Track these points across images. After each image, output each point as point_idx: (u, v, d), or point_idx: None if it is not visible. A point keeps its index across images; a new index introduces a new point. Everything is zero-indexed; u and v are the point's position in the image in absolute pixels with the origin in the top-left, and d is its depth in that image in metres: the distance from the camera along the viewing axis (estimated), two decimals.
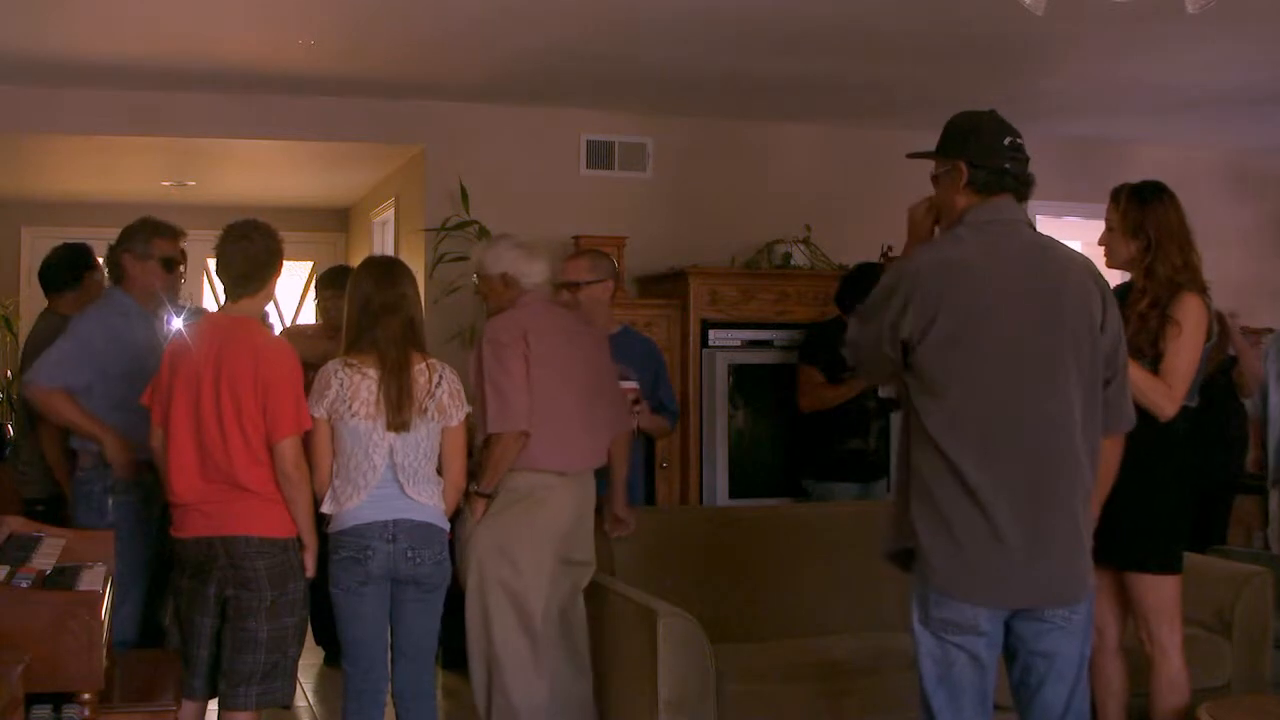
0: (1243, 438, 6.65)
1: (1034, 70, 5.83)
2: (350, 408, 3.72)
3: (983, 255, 3.01)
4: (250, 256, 3.73)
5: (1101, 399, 3.08)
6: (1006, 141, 3.07)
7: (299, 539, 3.70)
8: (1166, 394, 3.67)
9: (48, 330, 4.89)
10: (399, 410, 3.70)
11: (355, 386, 3.73)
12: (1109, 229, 3.84)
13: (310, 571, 3.75)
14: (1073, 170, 6.84)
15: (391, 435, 3.72)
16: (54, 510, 4.61)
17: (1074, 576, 3.04)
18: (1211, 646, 4.46)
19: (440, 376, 3.80)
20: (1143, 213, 3.77)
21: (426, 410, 3.74)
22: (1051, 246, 3.14)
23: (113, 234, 4.55)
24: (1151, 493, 3.69)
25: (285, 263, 3.87)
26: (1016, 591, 3.00)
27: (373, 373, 3.73)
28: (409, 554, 3.74)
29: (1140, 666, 3.89)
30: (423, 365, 3.78)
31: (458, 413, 3.82)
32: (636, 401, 4.62)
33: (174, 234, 4.54)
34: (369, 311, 3.78)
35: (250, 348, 3.65)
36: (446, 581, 3.88)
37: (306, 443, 3.71)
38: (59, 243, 5.42)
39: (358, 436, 3.73)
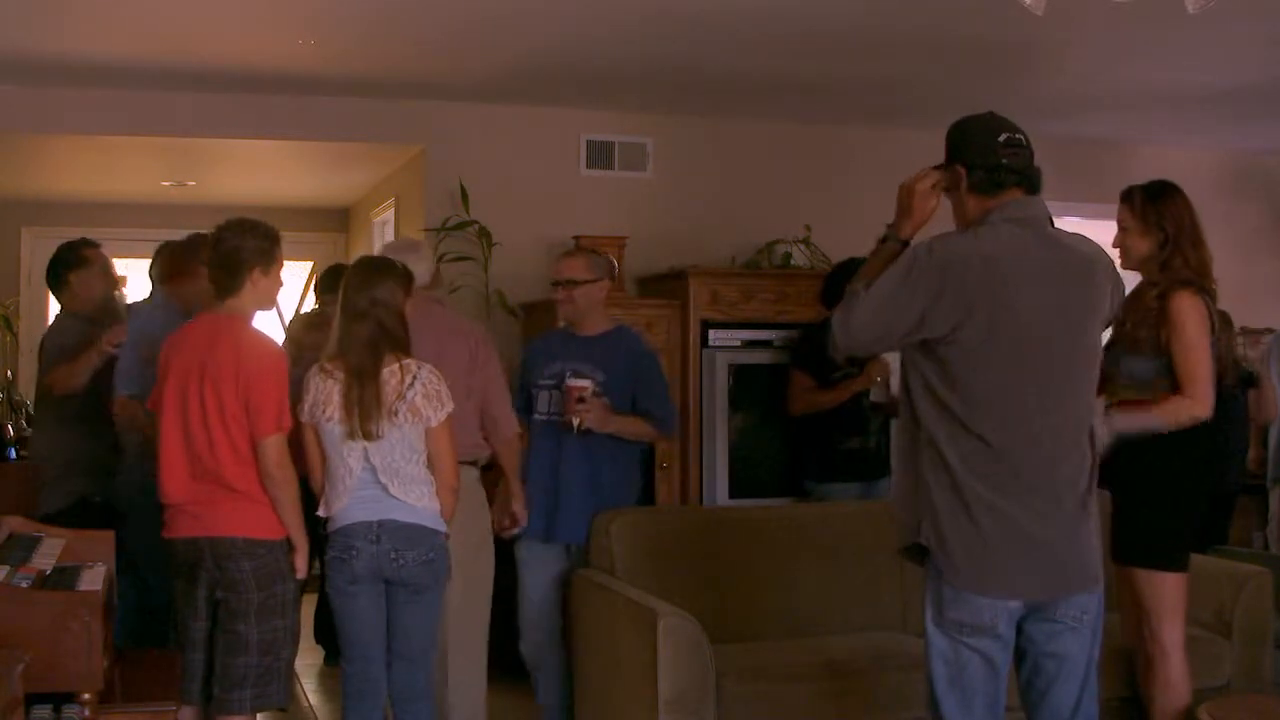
0: (1245, 440, 6.67)
1: (1034, 70, 5.83)
2: (325, 412, 3.73)
3: (1008, 254, 3.01)
4: (219, 258, 3.72)
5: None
6: (1001, 138, 3.07)
7: (288, 540, 3.69)
8: (1190, 405, 3.70)
9: (62, 332, 4.91)
10: (365, 419, 3.68)
11: (329, 391, 3.73)
12: (1123, 229, 3.88)
13: (301, 573, 3.73)
14: (1073, 170, 6.84)
15: (363, 439, 3.71)
16: (76, 518, 4.57)
17: (1091, 565, 3.06)
18: (1211, 646, 4.46)
19: (414, 378, 3.74)
20: (1158, 209, 3.83)
21: (397, 413, 3.71)
22: (1073, 242, 3.14)
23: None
24: (1156, 488, 3.70)
25: (277, 264, 3.82)
26: (1040, 583, 3.00)
27: (343, 377, 3.73)
28: (393, 555, 3.73)
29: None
30: (394, 367, 3.74)
31: (436, 413, 3.76)
32: (580, 400, 4.43)
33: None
34: (344, 316, 3.78)
35: (233, 346, 3.64)
36: (439, 583, 3.86)
37: (291, 442, 3.71)
38: (56, 242, 5.40)
39: (333, 440, 3.74)
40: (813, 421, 5.66)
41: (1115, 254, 3.92)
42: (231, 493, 3.61)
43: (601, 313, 4.72)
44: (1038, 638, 3.06)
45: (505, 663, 4.74)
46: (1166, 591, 3.76)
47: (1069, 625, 3.04)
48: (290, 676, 3.78)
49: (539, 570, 4.61)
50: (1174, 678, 3.77)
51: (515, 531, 4.49)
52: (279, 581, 3.66)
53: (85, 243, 5.11)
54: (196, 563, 3.65)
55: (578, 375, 4.49)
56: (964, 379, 2.96)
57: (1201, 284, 3.78)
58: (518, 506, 4.44)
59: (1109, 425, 3.64)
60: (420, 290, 4.29)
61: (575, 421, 4.44)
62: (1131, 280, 3.82)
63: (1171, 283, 3.75)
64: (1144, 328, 3.74)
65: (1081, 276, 3.06)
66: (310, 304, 6.10)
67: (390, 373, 3.73)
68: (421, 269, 4.34)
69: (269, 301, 3.86)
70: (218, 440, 3.59)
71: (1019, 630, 3.05)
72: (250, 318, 3.79)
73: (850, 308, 3.04)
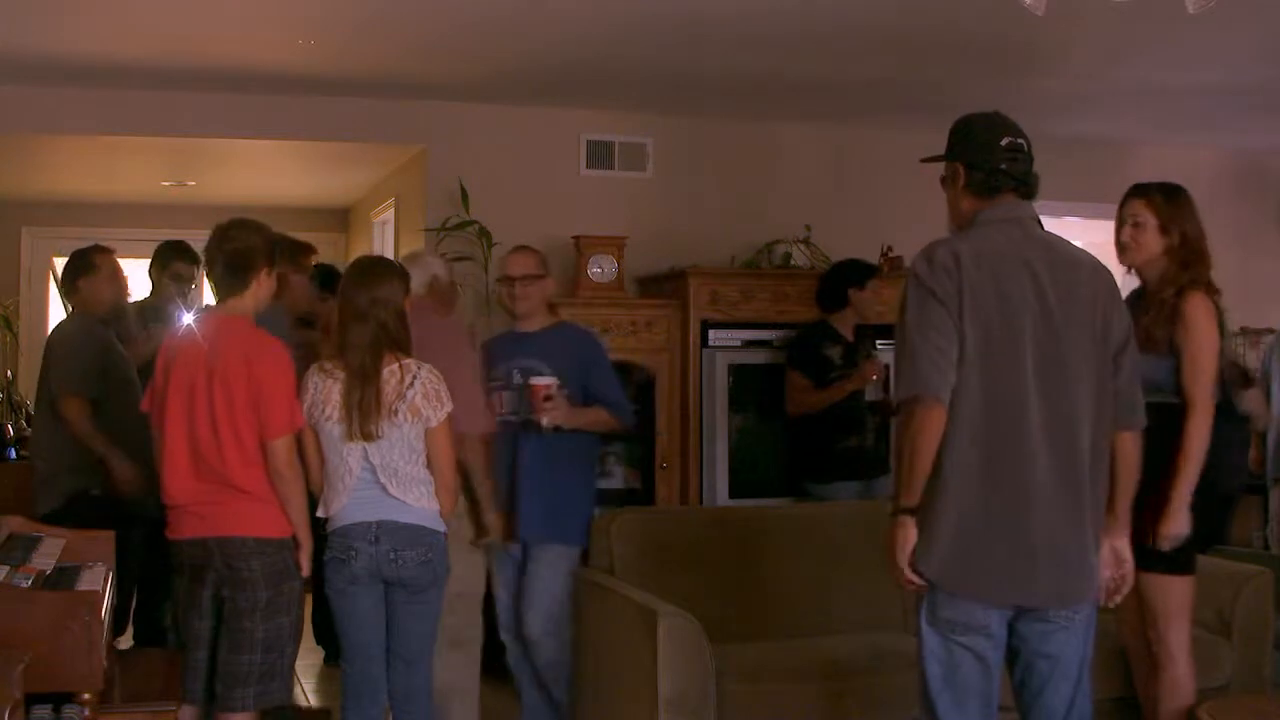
0: (1245, 438, 6.68)
1: (1034, 70, 5.83)
2: (324, 411, 3.73)
3: (995, 253, 3.02)
4: (228, 255, 3.71)
5: (1111, 396, 3.09)
6: (1004, 142, 3.09)
7: (294, 538, 3.70)
8: (1198, 425, 3.69)
9: (72, 332, 4.91)
10: (364, 420, 3.68)
11: (328, 391, 3.73)
12: (1137, 225, 3.86)
13: (305, 571, 3.75)
14: (1073, 170, 6.83)
15: (362, 440, 3.72)
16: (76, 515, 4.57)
17: (1081, 575, 3.05)
18: (1211, 646, 4.44)
19: (414, 377, 3.75)
20: (1179, 210, 3.84)
21: (397, 413, 3.71)
22: (1060, 244, 3.15)
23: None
24: (1164, 491, 3.69)
25: (277, 265, 3.83)
26: (1027, 590, 3.00)
27: (344, 377, 3.73)
28: (391, 556, 3.73)
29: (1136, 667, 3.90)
30: (394, 367, 3.73)
31: (435, 413, 3.75)
32: (548, 398, 4.36)
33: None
34: (343, 317, 3.78)
35: (242, 347, 3.64)
36: (438, 584, 3.85)
37: (300, 442, 3.72)
38: (56, 242, 5.43)
39: (332, 440, 3.74)
40: (810, 421, 5.68)
41: (1117, 250, 3.93)
42: (238, 493, 3.61)
43: (544, 310, 4.68)
44: (1030, 638, 3.06)
45: (495, 663, 4.72)
46: (1174, 595, 3.76)
47: (1061, 625, 3.04)
48: (291, 674, 3.78)
49: (506, 572, 4.55)
50: (1180, 680, 3.77)
51: (486, 541, 4.35)
52: (286, 579, 3.67)
53: (96, 249, 5.12)
54: (204, 563, 3.65)
55: (530, 372, 4.42)
56: (957, 375, 2.96)
57: (1210, 285, 3.79)
58: (488, 519, 4.29)
59: (1174, 526, 3.66)
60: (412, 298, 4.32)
61: (545, 420, 4.37)
62: (1124, 280, 3.82)
63: (1189, 282, 3.76)
64: (1160, 326, 3.74)
65: (1067, 273, 3.06)
66: None
67: (390, 372, 3.73)
68: (415, 281, 4.35)
69: (265, 302, 3.85)
70: (225, 441, 3.59)
71: (1011, 630, 3.05)
72: (250, 318, 3.78)
73: (902, 370, 3.00)
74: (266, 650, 3.63)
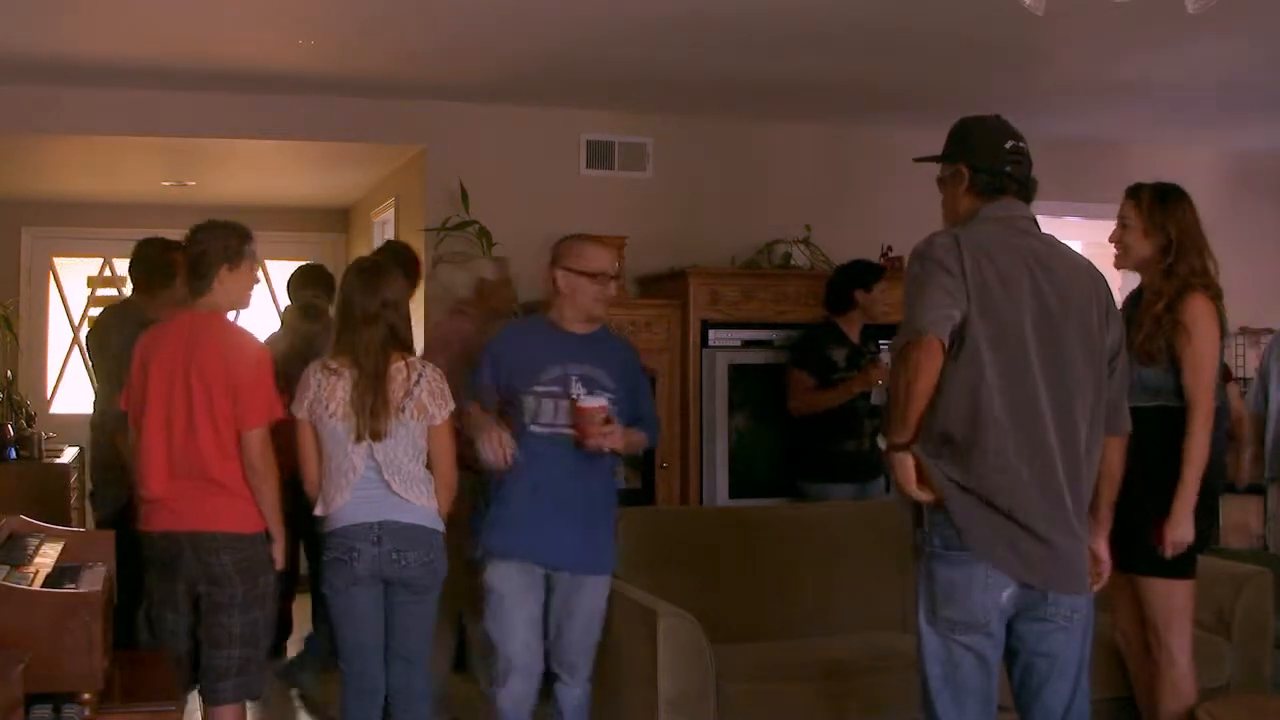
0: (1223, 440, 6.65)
1: (1034, 70, 5.83)
2: (328, 409, 3.75)
3: (994, 244, 3.03)
4: (190, 259, 3.80)
5: (1104, 401, 3.09)
6: (1008, 145, 3.11)
7: (267, 533, 3.73)
8: (1199, 431, 3.68)
9: (123, 343, 4.73)
10: (374, 419, 3.71)
11: (332, 388, 3.76)
12: (1124, 226, 3.84)
13: (279, 564, 3.78)
14: (1073, 170, 6.85)
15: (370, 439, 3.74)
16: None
17: (1078, 565, 3.06)
18: (1211, 646, 4.45)
19: (420, 375, 3.79)
20: (1165, 212, 3.78)
21: (404, 410, 3.74)
22: (1058, 247, 3.16)
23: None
24: (1164, 495, 3.68)
25: (246, 261, 3.82)
26: (1064, 575, 3.01)
27: (349, 375, 3.75)
28: (394, 556, 3.74)
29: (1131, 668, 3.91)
30: (400, 364, 3.77)
31: (440, 411, 3.79)
32: (608, 420, 3.85)
33: None
34: (351, 317, 3.79)
35: (218, 342, 3.70)
36: (438, 584, 3.86)
37: (279, 434, 3.74)
38: (57, 241, 5.33)
39: (336, 437, 3.76)
40: (806, 423, 5.68)
41: (1100, 253, 3.92)
42: (213, 488, 3.66)
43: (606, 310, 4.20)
44: (1029, 637, 3.06)
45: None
46: (1176, 599, 3.75)
47: (1059, 625, 3.05)
48: (267, 666, 3.86)
49: (523, 602, 3.95)
50: (1181, 682, 3.77)
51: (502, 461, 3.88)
52: (261, 574, 3.73)
53: (172, 247, 4.70)
54: (175, 556, 3.70)
55: (591, 382, 3.90)
56: (953, 362, 2.97)
57: (1211, 287, 3.75)
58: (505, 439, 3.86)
59: (1181, 532, 3.65)
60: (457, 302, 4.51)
61: (604, 445, 3.86)
62: (1117, 279, 3.78)
63: (1182, 288, 3.72)
64: (1157, 339, 3.71)
65: (1064, 275, 3.07)
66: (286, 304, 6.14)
67: (396, 369, 3.77)
68: (461, 285, 4.61)
69: (240, 298, 3.87)
70: (203, 436, 3.64)
71: (1010, 630, 3.06)
72: (224, 314, 3.84)
73: (904, 324, 3.00)
74: (244, 644, 3.70)
